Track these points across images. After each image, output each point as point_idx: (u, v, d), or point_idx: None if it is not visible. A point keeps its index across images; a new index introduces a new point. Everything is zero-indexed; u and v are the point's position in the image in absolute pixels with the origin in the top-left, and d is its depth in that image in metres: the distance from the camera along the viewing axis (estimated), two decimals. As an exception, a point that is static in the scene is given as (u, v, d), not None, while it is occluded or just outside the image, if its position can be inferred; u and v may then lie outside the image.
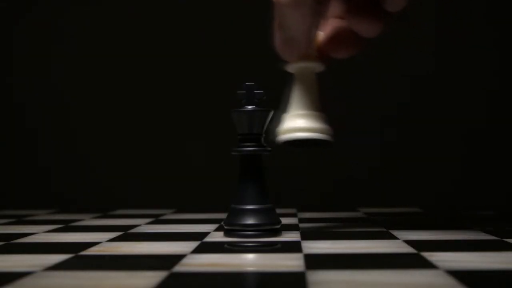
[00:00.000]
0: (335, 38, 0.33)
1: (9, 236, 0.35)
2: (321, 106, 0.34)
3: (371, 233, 0.34)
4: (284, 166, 0.54)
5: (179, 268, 0.24)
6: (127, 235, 0.35)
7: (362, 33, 0.32)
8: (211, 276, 0.23)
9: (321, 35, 0.34)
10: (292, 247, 0.29)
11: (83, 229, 0.39)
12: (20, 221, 0.45)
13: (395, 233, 0.33)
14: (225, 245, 0.31)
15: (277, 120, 0.33)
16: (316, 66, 0.33)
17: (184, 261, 0.26)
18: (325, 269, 0.24)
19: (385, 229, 0.35)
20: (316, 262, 0.25)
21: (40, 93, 0.60)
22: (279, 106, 0.34)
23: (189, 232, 0.36)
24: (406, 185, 0.56)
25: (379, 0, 0.30)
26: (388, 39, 0.56)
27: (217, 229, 0.37)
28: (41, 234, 0.36)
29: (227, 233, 0.33)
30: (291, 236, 0.33)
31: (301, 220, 0.42)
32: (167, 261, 0.26)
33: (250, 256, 0.28)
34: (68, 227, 0.40)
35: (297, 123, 0.33)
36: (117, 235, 0.35)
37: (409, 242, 0.30)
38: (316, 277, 0.22)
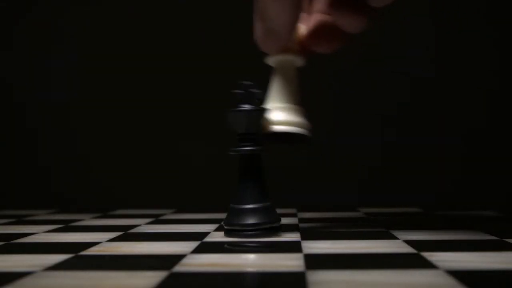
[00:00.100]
0: (318, 32, 0.33)
1: (9, 236, 0.35)
2: (301, 100, 0.33)
3: (371, 233, 0.34)
4: (284, 166, 0.54)
5: (179, 268, 0.24)
6: (127, 235, 0.35)
7: (345, 28, 0.31)
8: (211, 276, 0.23)
9: (304, 29, 0.33)
10: (292, 247, 0.29)
11: (83, 229, 0.39)
12: (20, 221, 0.45)
13: (395, 233, 0.33)
14: (225, 245, 0.31)
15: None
16: (297, 60, 0.33)
17: (184, 261, 0.26)
18: (325, 269, 0.24)
19: (385, 229, 0.35)
20: (316, 262, 0.25)
21: (40, 93, 0.60)
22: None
23: (189, 232, 0.36)
24: (406, 185, 0.56)
25: None
26: (388, 39, 0.57)
27: (217, 229, 0.37)
28: (41, 234, 0.36)
29: (227, 233, 0.33)
30: (291, 236, 0.33)
31: (301, 220, 0.42)
32: (167, 261, 0.26)
33: (250, 256, 0.28)
34: (68, 227, 0.40)
35: (274, 116, 0.32)
36: (117, 235, 0.35)
37: (409, 242, 0.30)
38: (316, 277, 0.22)
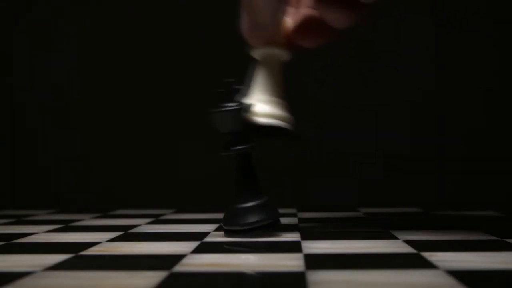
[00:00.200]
0: (304, 27, 0.33)
1: (9, 236, 0.35)
2: (285, 94, 0.33)
3: (371, 233, 0.34)
4: (284, 166, 0.54)
5: (179, 268, 0.24)
6: (127, 235, 0.35)
7: (332, 23, 0.31)
8: (211, 276, 0.23)
9: (291, 23, 0.33)
10: (292, 247, 0.29)
11: (83, 229, 0.39)
12: (20, 221, 0.45)
13: (395, 233, 0.33)
14: (224, 245, 0.31)
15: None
16: (283, 54, 0.33)
17: (184, 261, 0.26)
18: (325, 269, 0.24)
19: (385, 229, 0.35)
20: (316, 262, 0.25)
21: (40, 93, 0.60)
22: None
23: (189, 232, 0.36)
24: (406, 185, 0.56)
25: None
26: (388, 39, 0.57)
27: (217, 229, 0.37)
28: (41, 234, 0.36)
29: (227, 233, 0.33)
30: (291, 236, 0.33)
31: (301, 220, 0.42)
32: (167, 261, 0.26)
33: (250, 256, 0.28)
34: (68, 227, 0.40)
35: (257, 108, 0.32)
36: (117, 235, 0.35)
37: (409, 242, 0.30)
38: (316, 277, 0.22)
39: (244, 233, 0.32)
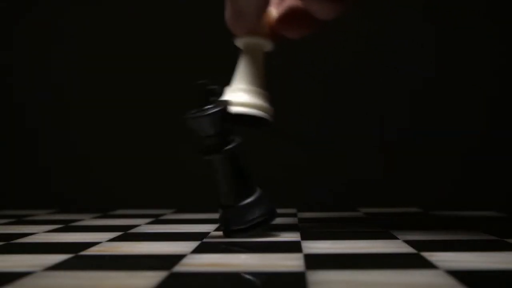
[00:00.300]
0: (288, 17, 0.33)
1: (9, 236, 0.35)
2: (266, 84, 0.33)
3: (371, 233, 0.34)
4: (284, 166, 0.54)
5: (179, 268, 0.24)
6: (127, 235, 0.35)
7: (316, 14, 0.31)
8: (211, 276, 0.23)
9: (274, 13, 0.33)
10: (292, 247, 0.29)
11: (83, 229, 0.39)
12: (20, 221, 0.45)
13: (395, 233, 0.33)
14: (222, 245, 0.31)
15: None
16: (265, 43, 0.33)
17: (184, 261, 0.26)
18: (325, 269, 0.24)
19: (385, 229, 0.35)
20: (316, 262, 0.25)
21: (40, 93, 0.60)
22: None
23: (189, 232, 0.36)
24: (406, 185, 0.56)
25: None
26: (389, 39, 0.57)
27: (217, 229, 0.37)
28: (41, 234, 0.36)
29: (233, 234, 0.33)
30: (291, 236, 0.33)
31: (301, 220, 0.42)
32: (167, 261, 0.26)
33: (250, 256, 0.28)
34: (68, 227, 0.40)
35: (237, 97, 0.32)
36: (117, 235, 0.35)
37: (409, 242, 0.30)
38: (316, 277, 0.22)
39: (252, 228, 0.32)
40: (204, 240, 0.32)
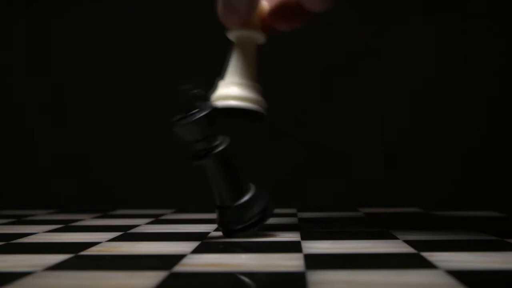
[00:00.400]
0: (280, 10, 0.33)
1: (9, 236, 0.35)
2: (259, 77, 0.33)
3: (371, 233, 0.34)
4: (284, 166, 0.54)
5: (179, 268, 0.24)
6: (127, 235, 0.35)
7: (308, 7, 0.31)
8: (211, 276, 0.23)
9: (266, 5, 0.33)
10: (292, 247, 0.29)
11: (83, 229, 0.39)
12: (20, 221, 0.45)
13: (395, 233, 0.33)
14: (219, 245, 0.31)
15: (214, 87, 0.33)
16: (258, 36, 0.33)
17: (184, 261, 0.26)
18: (325, 269, 0.24)
19: (385, 229, 0.35)
20: (316, 262, 0.25)
21: (40, 93, 0.60)
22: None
23: (189, 232, 0.36)
24: (406, 185, 0.56)
25: None
26: (389, 39, 0.57)
27: (217, 229, 0.37)
28: (41, 234, 0.36)
29: (225, 233, 0.33)
30: (291, 236, 0.33)
31: (301, 220, 0.42)
32: (167, 261, 0.26)
33: (250, 256, 0.28)
34: (68, 227, 0.40)
35: (231, 90, 0.32)
36: (117, 235, 0.35)
37: (409, 242, 0.30)
38: (316, 277, 0.22)
39: (254, 226, 0.32)
40: (204, 240, 0.32)
